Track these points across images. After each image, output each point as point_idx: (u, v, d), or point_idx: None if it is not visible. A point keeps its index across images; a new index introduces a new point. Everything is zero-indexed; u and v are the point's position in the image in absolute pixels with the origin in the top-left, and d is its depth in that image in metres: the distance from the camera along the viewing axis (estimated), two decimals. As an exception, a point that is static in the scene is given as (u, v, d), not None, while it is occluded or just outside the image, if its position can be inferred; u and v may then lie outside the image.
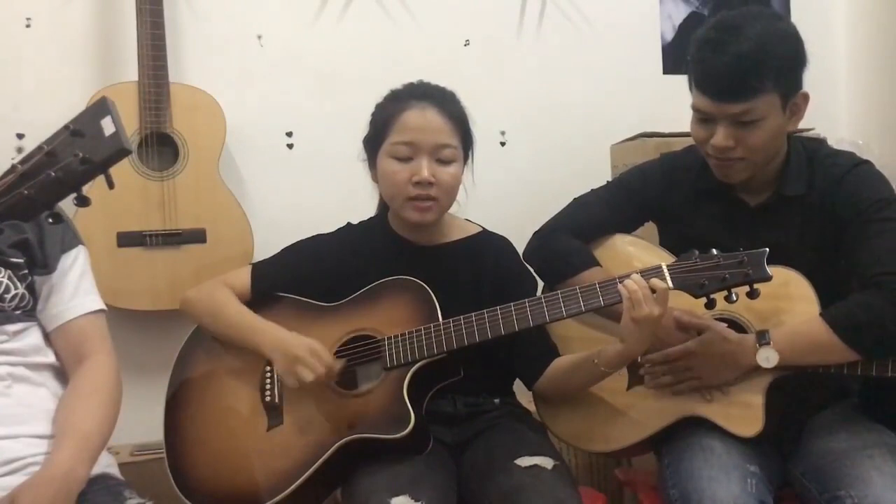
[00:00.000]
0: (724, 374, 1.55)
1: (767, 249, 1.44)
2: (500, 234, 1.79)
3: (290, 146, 2.37)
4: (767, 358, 1.49)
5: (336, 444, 1.50)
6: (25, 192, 1.06)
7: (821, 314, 1.51)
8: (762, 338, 1.51)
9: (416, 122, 1.62)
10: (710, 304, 1.46)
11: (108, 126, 1.06)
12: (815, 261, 1.59)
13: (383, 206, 1.79)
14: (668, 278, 1.45)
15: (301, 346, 1.54)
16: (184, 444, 1.63)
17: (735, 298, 1.44)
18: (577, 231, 1.74)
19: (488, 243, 1.75)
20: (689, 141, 1.79)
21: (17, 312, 1.42)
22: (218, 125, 2.16)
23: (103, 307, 1.52)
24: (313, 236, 1.77)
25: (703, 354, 1.55)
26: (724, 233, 1.62)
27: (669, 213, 1.74)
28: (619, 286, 1.46)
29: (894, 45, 2.59)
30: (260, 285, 1.71)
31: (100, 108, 1.08)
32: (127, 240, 2.07)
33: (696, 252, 1.47)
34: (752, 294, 1.44)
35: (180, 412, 1.66)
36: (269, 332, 1.60)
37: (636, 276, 1.45)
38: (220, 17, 2.30)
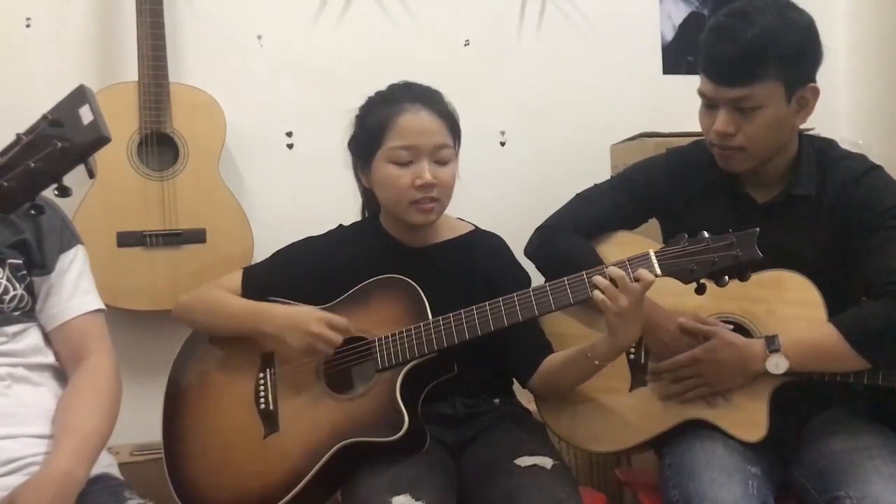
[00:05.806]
0: (732, 379, 1.54)
1: (758, 229, 1.40)
2: (499, 234, 1.78)
3: (290, 146, 2.37)
4: (777, 364, 1.48)
5: (332, 449, 1.50)
6: (5, 183, 1.04)
7: (832, 321, 1.50)
8: (772, 344, 1.49)
9: (413, 126, 1.61)
10: (700, 290, 1.43)
11: (86, 114, 1.04)
12: (822, 263, 1.58)
13: (373, 209, 1.78)
14: (656, 265, 1.42)
15: (312, 321, 1.54)
16: (182, 456, 1.63)
17: (726, 281, 1.41)
18: (579, 227, 1.73)
19: (481, 242, 1.75)
20: (690, 141, 1.79)
21: (17, 314, 1.41)
22: (218, 125, 2.16)
23: (102, 307, 1.52)
24: (304, 239, 1.77)
25: (710, 361, 1.54)
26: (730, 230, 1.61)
27: (674, 209, 1.72)
28: (591, 290, 1.43)
29: (894, 45, 2.58)
30: (251, 289, 1.70)
31: (78, 96, 1.05)
32: (127, 240, 2.06)
33: (685, 236, 1.43)
34: (743, 277, 1.41)
35: (177, 424, 1.66)
36: (273, 313, 1.60)
37: (604, 272, 1.42)
38: (220, 18, 2.30)
